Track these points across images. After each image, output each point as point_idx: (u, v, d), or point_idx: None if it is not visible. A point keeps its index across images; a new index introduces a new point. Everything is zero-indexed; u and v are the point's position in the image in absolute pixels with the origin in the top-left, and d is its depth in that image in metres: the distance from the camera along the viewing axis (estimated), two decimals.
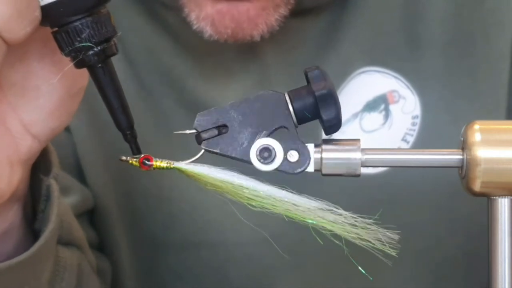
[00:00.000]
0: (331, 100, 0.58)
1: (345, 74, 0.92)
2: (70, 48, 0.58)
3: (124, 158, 0.62)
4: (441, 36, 0.92)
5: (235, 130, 0.59)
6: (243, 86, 0.91)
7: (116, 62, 0.61)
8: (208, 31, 0.84)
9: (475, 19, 0.92)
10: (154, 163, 0.61)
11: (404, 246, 0.91)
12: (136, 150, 0.62)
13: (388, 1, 0.92)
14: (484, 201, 0.59)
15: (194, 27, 0.84)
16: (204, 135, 0.60)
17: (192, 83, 0.92)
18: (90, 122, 0.92)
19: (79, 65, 0.59)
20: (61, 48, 0.59)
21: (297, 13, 0.89)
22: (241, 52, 0.90)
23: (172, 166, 0.61)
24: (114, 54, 0.60)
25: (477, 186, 0.58)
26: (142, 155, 0.62)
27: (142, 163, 0.61)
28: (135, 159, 0.61)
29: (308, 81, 0.59)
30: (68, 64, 0.59)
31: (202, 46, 0.89)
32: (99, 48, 0.58)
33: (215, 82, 0.92)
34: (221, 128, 0.60)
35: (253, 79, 0.91)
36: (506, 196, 0.58)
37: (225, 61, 0.91)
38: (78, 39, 0.58)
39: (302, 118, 0.59)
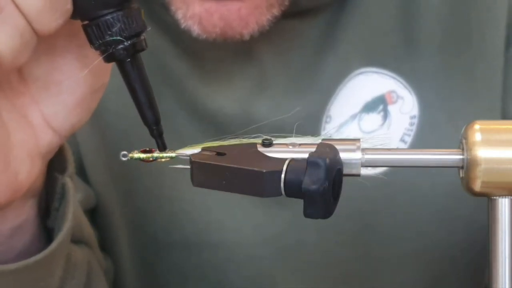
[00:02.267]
0: (319, 201, 0.55)
1: (343, 75, 0.92)
2: (100, 41, 0.58)
3: (124, 158, 0.62)
4: (438, 36, 0.92)
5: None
6: (241, 87, 0.92)
7: None
8: (195, 29, 0.83)
9: (470, 18, 0.92)
10: (156, 154, 0.61)
11: (403, 245, 0.92)
12: (162, 146, 0.62)
13: (385, 1, 0.92)
14: (484, 200, 0.59)
15: (182, 25, 0.84)
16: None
17: (191, 84, 0.92)
18: (93, 122, 0.92)
19: (108, 59, 0.59)
20: (91, 42, 0.59)
21: (295, 14, 0.89)
22: (239, 53, 0.90)
23: (174, 155, 0.61)
24: (143, 49, 0.60)
25: (477, 186, 0.58)
26: (143, 148, 0.62)
27: (144, 157, 0.61)
28: (136, 154, 0.61)
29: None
30: (95, 58, 0.59)
31: (201, 48, 0.89)
32: (129, 42, 0.58)
33: (214, 84, 0.92)
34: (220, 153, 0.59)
35: (252, 80, 0.91)
36: (506, 196, 0.58)
37: (224, 62, 0.91)
38: (109, 32, 0.58)
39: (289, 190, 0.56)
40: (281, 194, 0.56)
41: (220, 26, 0.82)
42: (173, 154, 0.61)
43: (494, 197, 0.58)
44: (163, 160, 0.62)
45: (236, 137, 0.61)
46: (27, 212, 0.69)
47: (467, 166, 0.58)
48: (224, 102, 0.91)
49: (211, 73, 0.92)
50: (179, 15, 0.84)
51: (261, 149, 0.59)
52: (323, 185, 0.54)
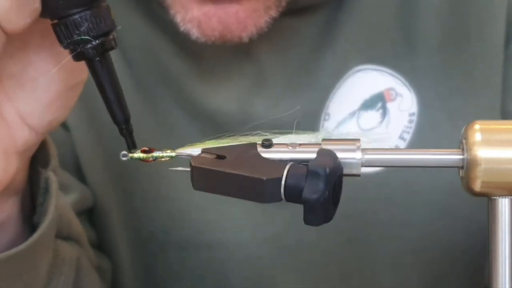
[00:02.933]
0: (318, 210, 0.56)
1: (341, 72, 0.92)
2: (68, 40, 0.58)
3: (124, 158, 0.62)
4: (437, 33, 0.92)
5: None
6: (239, 86, 0.91)
7: (114, 61, 0.61)
8: (194, 33, 0.83)
9: (469, 16, 0.92)
10: (156, 154, 0.61)
11: (402, 245, 0.92)
12: (131, 145, 0.62)
13: None
14: (483, 199, 0.59)
15: (181, 28, 0.84)
16: None
17: (189, 83, 0.92)
18: (89, 120, 0.92)
19: (77, 58, 0.59)
20: (60, 41, 0.59)
21: (292, 12, 0.89)
22: (237, 52, 0.90)
23: (174, 154, 0.61)
24: (112, 48, 0.60)
25: (477, 186, 0.58)
26: (143, 148, 0.61)
27: (144, 156, 0.61)
28: (136, 153, 0.61)
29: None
30: (68, 56, 0.59)
31: (198, 47, 0.89)
32: (97, 41, 0.59)
33: (211, 83, 0.92)
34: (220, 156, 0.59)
35: (250, 79, 0.91)
36: (506, 196, 0.58)
37: (222, 61, 0.91)
38: (77, 32, 0.58)
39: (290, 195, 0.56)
40: (281, 199, 0.56)
41: (219, 29, 0.82)
42: (173, 154, 0.61)
43: (494, 197, 0.58)
44: (162, 160, 0.62)
45: (235, 135, 0.61)
46: (8, 210, 0.69)
47: (467, 166, 0.58)
48: (223, 101, 0.91)
49: (209, 72, 0.92)
50: (178, 18, 0.84)
51: (260, 149, 0.59)
52: (323, 195, 0.55)
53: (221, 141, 0.61)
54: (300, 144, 0.59)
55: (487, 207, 0.59)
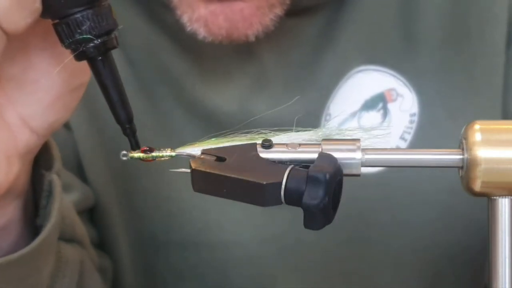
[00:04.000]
0: (318, 216, 0.56)
1: (342, 73, 0.92)
2: (70, 40, 0.58)
3: (124, 158, 0.61)
4: (437, 33, 0.92)
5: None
6: (241, 86, 0.91)
7: (116, 61, 0.61)
8: (201, 32, 0.83)
9: (470, 16, 0.92)
10: (156, 153, 0.61)
11: (402, 244, 0.92)
12: (135, 144, 0.61)
13: None
14: (483, 199, 0.59)
15: (188, 28, 0.84)
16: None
17: (190, 83, 0.92)
18: (91, 120, 0.92)
19: (79, 57, 0.59)
20: (62, 40, 0.58)
21: (294, 12, 0.89)
22: (238, 52, 0.90)
23: (174, 154, 0.61)
24: (114, 47, 0.60)
25: (477, 186, 0.58)
26: (143, 147, 0.61)
27: (144, 156, 0.61)
28: (137, 153, 0.61)
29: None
30: (68, 56, 0.59)
31: (200, 46, 0.89)
32: (99, 40, 0.58)
33: (213, 82, 0.92)
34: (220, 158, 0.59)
35: (251, 78, 0.91)
36: (506, 196, 0.58)
37: (223, 61, 0.91)
38: (79, 31, 0.58)
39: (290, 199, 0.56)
40: (282, 203, 0.56)
41: (226, 27, 0.82)
42: (172, 153, 0.61)
43: (494, 197, 0.58)
44: (162, 159, 0.62)
45: (235, 133, 0.61)
46: (10, 213, 0.68)
47: (467, 166, 0.58)
48: (223, 100, 0.91)
49: (210, 72, 0.92)
50: (185, 18, 0.84)
51: (260, 150, 0.59)
52: (323, 202, 0.55)
53: (221, 139, 0.61)
54: (300, 144, 0.59)
55: (487, 207, 0.59)
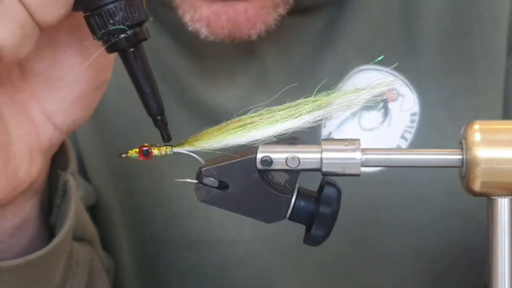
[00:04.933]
0: (330, 224, 0.60)
1: (343, 72, 0.92)
2: (103, 31, 0.58)
3: (124, 155, 0.62)
4: (438, 34, 0.92)
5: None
6: (242, 84, 0.91)
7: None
8: (203, 32, 0.83)
9: (471, 16, 0.92)
10: (153, 150, 0.61)
11: (402, 243, 0.92)
12: (166, 137, 0.61)
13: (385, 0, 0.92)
14: (483, 199, 0.59)
15: (190, 28, 0.84)
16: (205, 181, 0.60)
17: (191, 82, 0.92)
18: (92, 120, 0.92)
19: (111, 49, 0.58)
20: (94, 32, 0.58)
21: (295, 12, 0.89)
22: (240, 51, 0.90)
23: (171, 152, 0.61)
24: (145, 38, 0.59)
25: (477, 186, 0.58)
26: (142, 145, 0.61)
27: (142, 153, 0.61)
28: (134, 152, 0.61)
29: (320, 193, 0.60)
30: (98, 50, 0.59)
31: (201, 45, 0.89)
32: (131, 31, 0.58)
33: (214, 81, 0.92)
34: (222, 183, 0.60)
35: (252, 77, 0.91)
36: (506, 196, 0.58)
37: (224, 60, 0.91)
38: (111, 21, 0.57)
39: (295, 216, 0.61)
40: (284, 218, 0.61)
41: (228, 27, 0.82)
42: (170, 152, 0.61)
43: (494, 197, 0.58)
44: (161, 154, 0.62)
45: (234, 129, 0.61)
46: (28, 210, 0.69)
47: (467, 166, 0.58)
48: (225, 99, 0.91)
49: (211, 70, 0.92)
50: (187, 18, 0.84)
51: (261, 167, 0.59)
52: (327, 235, 0.60)
53: (215, 132, 0.61)
54: (300, 145, 0.60)
55: (487, 207, 0.59)
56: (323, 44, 0.92)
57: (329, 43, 0.92)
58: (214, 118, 0.91)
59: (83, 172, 0.94)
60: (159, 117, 0.61)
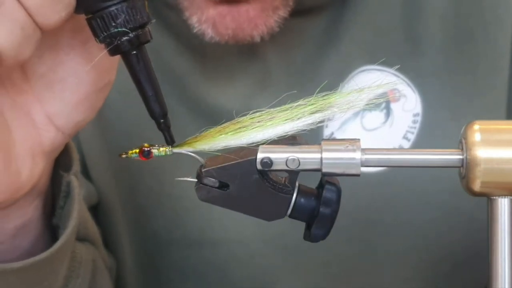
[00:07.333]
0: (330, 222, 0.60)
1: (345, 73, 0.92)
2: (105, 33, 0.57)
3: (124, 155, 0.61)
4: (441, 34, 0.92)
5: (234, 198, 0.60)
6: (244, 85, 0.92)
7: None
8: (209, 33, 0.84)
9: (474, 17, 0.92)
10: (153, 151, 0.61)
11: (404, 243, 0.92)
12: (170, 139, 0.61)
13: (388, 0, 0.92)
14: (484, 198, 0.59)
15: (195, 29, 0.85)
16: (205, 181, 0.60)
17: (194, 82, 0.92)
18: (95, 120, 0.92)
19: (113, 52, 0.58)
20: (96, 35, 0.58)
21: (297, 12, 0.89)
22: (242, 51, 0.91)
23: (171, 152, 0.61)
24: (148, 41, 0.59)
25: (477, 186, 0.58)
26: (141, 145, 0.61)
27: (142, 154, 0.61)
28: (134, 152, 0.61)
29: (320, 191, 0.60)
30: (99, 54, 0.59)
31: (203, 46, 0.89)
32: (134, 34, 0.58)
33: (216, 81, 0.92)
34: (223, 183, 0.60)
35: (254, 78, 0.92)
36: (506, 196, 0.58)
37: (227, 60, 0.92)
38: (114, 24, 0.57)
39: (296, 213, 0.61)
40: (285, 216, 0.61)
41: (232, 28, 0.83)
42: (170, 152, 0.61)
43: (494, 197, 0.58)
44: (161, 155, 0.62)
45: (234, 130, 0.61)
46: (31, 212, 0.69)
47: (467, 166, 0.58)
48: (226, 99, 0.91)
49: (213, 70, 0.92)
50: (194, 20, 0.84)
51: (261, 168, 0.59)
52: (327, 234, 0.60)
53: (215, 133, 0.61)
54: (300, 146, 0.60)
55: (487, 207, 0.59)
56: (325, 44, 0.92)
57: (331, 44, 0.92)
58: (215, 118, 0.91)
59: (85, 171, 0.94)
60: (162, 120, 0.61)
